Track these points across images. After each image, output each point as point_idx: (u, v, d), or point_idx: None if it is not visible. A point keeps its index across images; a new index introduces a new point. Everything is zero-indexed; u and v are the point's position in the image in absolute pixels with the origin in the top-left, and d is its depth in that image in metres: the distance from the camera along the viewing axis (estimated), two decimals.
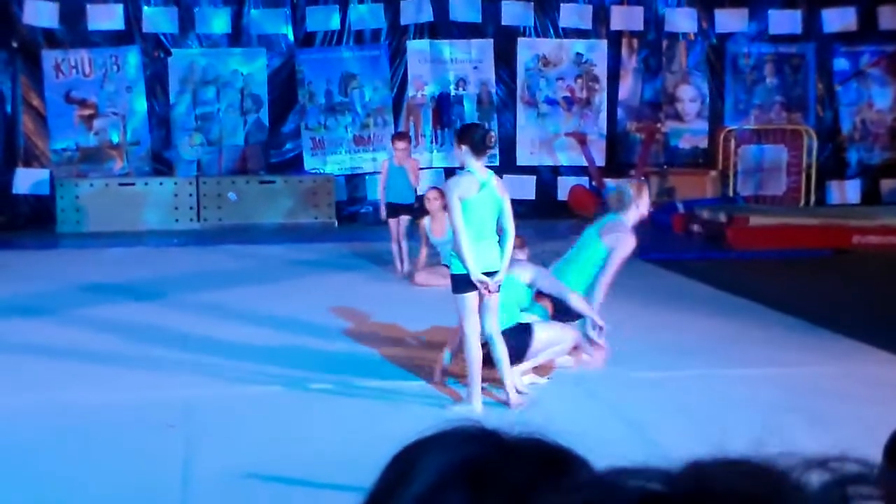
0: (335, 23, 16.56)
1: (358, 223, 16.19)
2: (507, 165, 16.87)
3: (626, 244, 7.85)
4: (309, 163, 16.66)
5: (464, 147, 6.81)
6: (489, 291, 6.69)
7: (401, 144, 12.15)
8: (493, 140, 6.96)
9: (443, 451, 0.92)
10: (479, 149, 6.76)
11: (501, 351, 6.82)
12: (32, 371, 7.90)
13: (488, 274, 6.68)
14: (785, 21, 17.46)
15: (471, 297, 6.69)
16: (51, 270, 12.17)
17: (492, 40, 16.95)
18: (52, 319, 9.60)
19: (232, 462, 5.80)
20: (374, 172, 16.83)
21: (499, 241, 6.81)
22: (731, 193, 16.92)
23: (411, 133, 16.58)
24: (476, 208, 6.69)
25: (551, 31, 17.16)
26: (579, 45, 17.26)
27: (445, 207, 7.58)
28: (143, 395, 7.20)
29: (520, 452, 0.92)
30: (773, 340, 8.76)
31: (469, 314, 6.72)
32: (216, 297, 10.55)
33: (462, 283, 6.70)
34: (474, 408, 6.72)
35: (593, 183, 16.73)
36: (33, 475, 5.74)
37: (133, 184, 15.90)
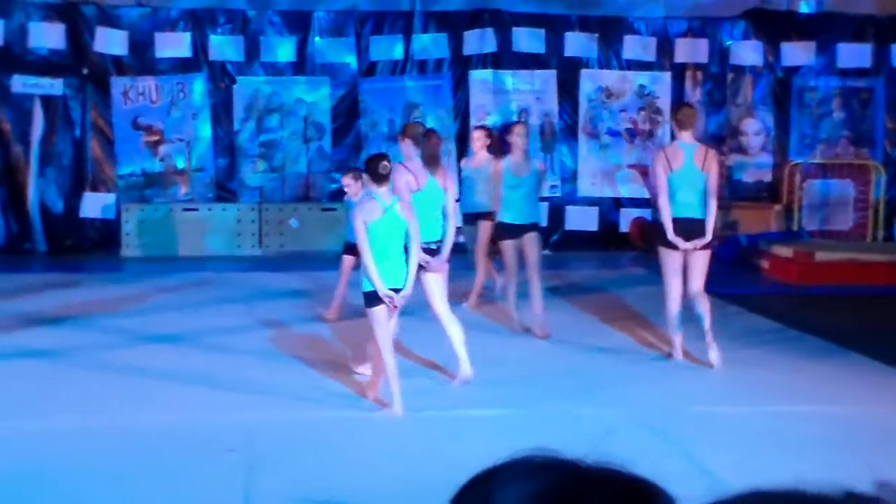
0: (398, 52, 16.65)
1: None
2: (569, 196, 16.83)
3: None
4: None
5: (366, 175, 7.66)
6: (395, 306, 7.44)
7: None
8: (387, 168, 7.46)
9: (520, 482, 0.89)
10: (377, 177, 7.42)
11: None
12: (96, 392, 7.97)
13: (395, 290, 7.40)
14: (853, 55, 17.26)
15: (380, 311, 7.40)
16: (114, 293, 12.31)
17: (555, 71, 16.94)
18: (115, 342, 9.70)
19: (292, 488, 5.79)
20: None
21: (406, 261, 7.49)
22: (795, 228, 16.71)
23: None
24: (380, 231, 7.38)
25: (615, 62, 17.11)
26: (642, 77, 17.19)
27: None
28: (203, 419, 7.24)
29: (600, 483, 0.89)
30: (836, 377, 8.62)
31: (380, 326, 7.42)
32: (277, 323, 10.60)
33: (371, 299, 7.42)
34: (396, 411, 7.37)
35: (656, 215, 16.60)
36: (94, 496, 5.78)
37: (197, 209, 16.06)
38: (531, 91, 17.02)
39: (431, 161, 8.42)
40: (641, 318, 10.71)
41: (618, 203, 17.14)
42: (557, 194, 16.88)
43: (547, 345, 9.81)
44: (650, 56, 17.07)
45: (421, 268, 7.85)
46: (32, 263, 15.23)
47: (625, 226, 16.87)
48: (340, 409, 7.56)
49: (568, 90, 17.05)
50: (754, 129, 17.52)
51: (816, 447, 6.52)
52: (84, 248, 15.87)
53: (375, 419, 7.32)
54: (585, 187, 17.14)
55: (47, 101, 15.94)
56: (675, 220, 8.73)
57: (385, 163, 7.48)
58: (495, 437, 6.70)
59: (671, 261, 8.86)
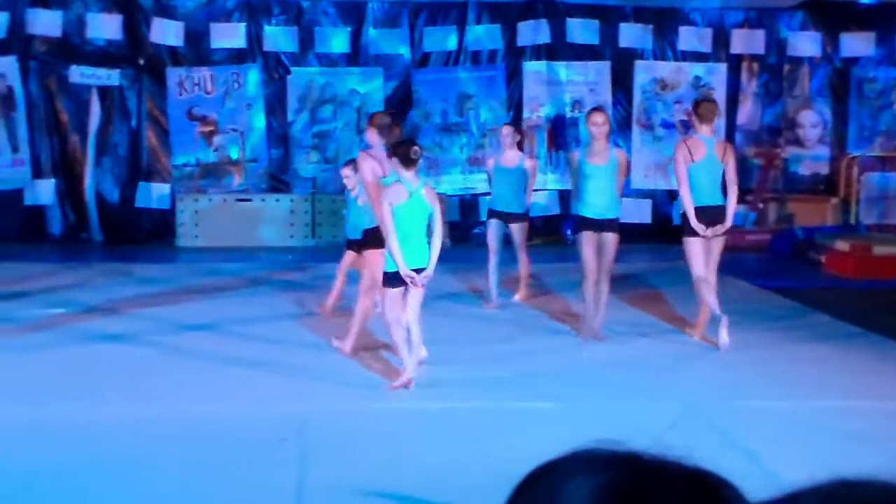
0: (452, 43, 16.64)
1: (470, 243, 16.18)
2: (623, 188, 16.70)
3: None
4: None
5: (394, 159, 7.80)
6: (417, 285, 7.72)
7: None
8: (417, 154, 7.78)
9: (585, 475, 0.88)
10: (406, 161, 7.70)
11: (416, 335, 7.88)
12: (150, 382, 8.05)
13: (418, 270, 7.68)
14: None
15: (396, 292, 7.77)
16: (169, 283, 12.41)
17: (609, 63, 16.84)
18: (168, 331, 9.79)
19: (343, 478, 5.81)
20: (488, 193, 16.84)
21: (429, 242, 7.77)
22: (852, 221, 16.50)
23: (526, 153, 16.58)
24: (405, 213, 7.66)
25: (670, 54, 16.98)
26: (698, 68, 17.04)
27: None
28: (256, 408, 7.28)
29: (667, 476, 0.87)
30: (891, 372, 8.50)
31: (393, 306, 7.79)
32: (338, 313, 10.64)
33: (391, 279, 7.75)
34: (410, 375, 7.74)
35: None
36: (149, 485, 5.83)
37: (250, 199, 16.15)
38: (585, 82, 16.93)
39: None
40: (688, 309, 10.60)
41: (671, 195, 17.00)
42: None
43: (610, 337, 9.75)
44: (706, 47, 16.92)
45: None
46: (89, 253, 15.40)
47: (678, 218, 16.71)
48: (391, 400, 7.57)
49: (622, 81, 16.95)
50: (811, 120, 17.31)
51: (870, 442, 6.44)
52: (139, 238, 16.02)
53: (426, 410, 7.32)
54: (639, 179, 17.03)
55: (104, 91, 16.11)
56: (698, 209, 9.25)
57: (416, 148, 7.83)
58: (546, 430, 6.67)
59: (696, 249, 9.29)
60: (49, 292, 11.68)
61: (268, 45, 16.36)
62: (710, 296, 9.25)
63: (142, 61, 16.19)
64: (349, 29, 16.47)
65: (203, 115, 16.36)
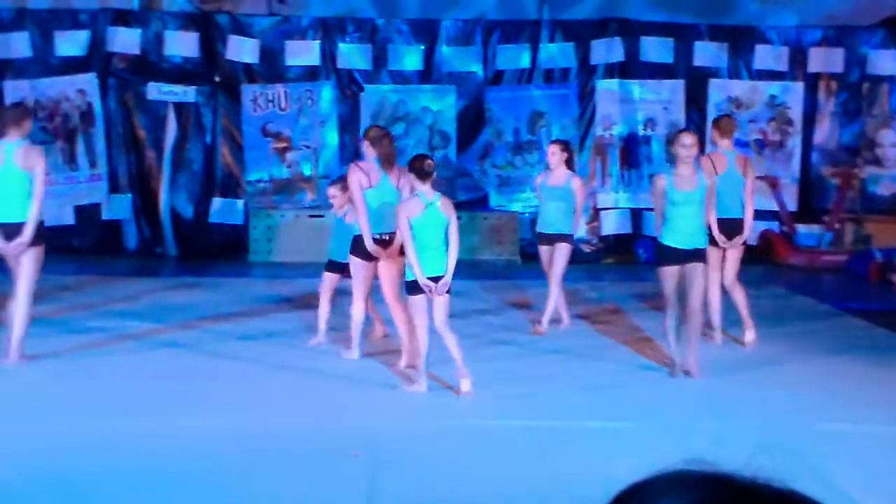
0: (525, 61, 16.63)
1: (540, 261, 16.06)
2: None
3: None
4: (494, 200, 16.72)
5: (411, 174, 8.19)
6: (435, 293, 8.00)
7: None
8: (431, 167, 8.14)
9: (676, 496, 0.86)
10: (421, 175, 8.08)
11: (451, 344, 8.10)
12: (224, 394, 8.12)
13: (435, 279, 7.99)
14: None
15: (420, 299, 8.03)
16: (242, 297, 12.52)
17: (683, 81, 16.71)
18: (242, 344, 9.87)
19: (414, 495, 5.80)
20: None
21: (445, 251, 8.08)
22: None
23: (598, 172, 16.54)
24: (422, 225, 8.02)
25: (744, 72, 16.81)
26: (774, 87, 16.85)
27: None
28: (328, 422, 7.30)
29: (758, 498, 0.85)
30: None
31: (419, 314, 8.07)
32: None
33: (412, 288, 8.07)
34: (420, 387, 8.13)
35: (784, 228, 16.26)
36: (220, 497, 5.86)
37: (322, 216, 16.22)
38: (658, 101, 16.82)
39: (387, 161, 9.10)
40: (763, 331, 10.45)
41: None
42: None
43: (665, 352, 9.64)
44: (782, 66, 16.72)
45: (373, 259, 9.01)
46: (163, 267, 15.60)
47: (752, 239, 16.51)
48: (461, 418, 7.55)
49: (696, 100, 16.81)
50: (891, 140, 17.02)
51: None
52: (213, 252, 16.18)
53: (498, 428, 7.29)
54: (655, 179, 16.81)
55: (180, 108, 16.33)
56: (719, 220, 9.74)
57: (429, 161, 8.19)
58: (612, 450, 6.62)
59: (714, 258, 9.67)
60: (125, 305, 11.85)
61: (341, 63, 16.48)
62: (716, 306, 10.04)
63: (217, 78, 16.39)
64: (422, 47, 16.54)
65: (277, 131, 16.51)
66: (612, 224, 16.71)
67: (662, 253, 8.78)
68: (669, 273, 8.70)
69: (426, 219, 8.03)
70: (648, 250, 16.46)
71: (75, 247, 15.91)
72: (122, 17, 16.29)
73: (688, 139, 8.76)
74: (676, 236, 8.67)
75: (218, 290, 13.07)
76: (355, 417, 7.46)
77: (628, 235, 16.69)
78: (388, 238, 8.96)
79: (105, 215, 16.29)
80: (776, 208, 16.27)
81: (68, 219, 16.05)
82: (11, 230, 8.73)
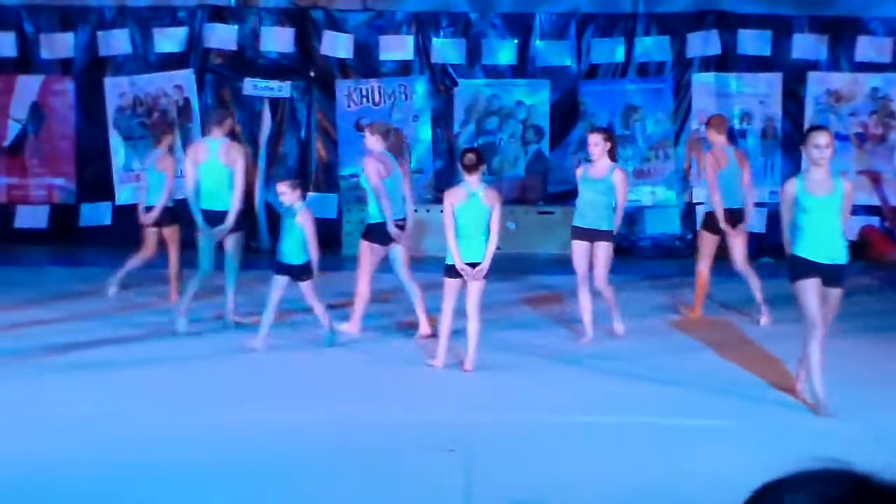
0: (619, 55, 16.49)
1: (634, 255, 15.98)
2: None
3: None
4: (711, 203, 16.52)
5: (459, 166, 9.02)
6: (472, 278, 8.58)
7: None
8: (470, 160, 8.80)
9: (810, 494, 0.84)
10: (465, 167, 8.84)
11: (472, 326, 8.64)
12: (315, 386, 8.18)
13: (473, 265, 8.57)
14: None
15: (454, 283, 8.67)
16: (334, 291, 12.59)
17: (781, 74, 16.43)
18: (344, 337, 9.95)
19: (512, 491, 5.78)
20: (654, 206, 16.63)
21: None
22: None
23: (693, 166, 16.34)
24: (463, 213, 8.65)
25: (845, 64, 16.46)
26: (876, 79, 16.47)
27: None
28: (423, 416, 7.32)
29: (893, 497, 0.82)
30: None
31: (449, 295, 8.69)
32: (496, 325, 10.63)
33: (449, 270, 8.68)
34: (438, 363, 8.72)
35: (886, 223, 15.91)
36: (313, 488, 5.91)
37: (415, 210, 16.23)
38: (755, 94, 16.57)
39: (397, 152, 10.24)
40: (866, 330, 10.24)
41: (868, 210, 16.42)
42: (777, 200, 16.36)
43: (764, 353, 9.50)
44: (885, 57, 16.33)
45: (392, 240, 10.08)
46: (258, 261, 15.74)
47: (852, 234, 16.18)
48: (560, 413, 7.51)
49: (793, 93, 16.51)
50: None
51: None
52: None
53: (596, 425, 7.24)
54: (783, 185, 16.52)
55: (275, 103, 16.50)
56: (725, 210, 10.58)
57: (469, 155, 8.91)
58: (720, 448, 6.54)
59: (712, 244, 10.77)
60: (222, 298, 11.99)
61: (435, 58, 16.50)
62: (706, 280, 10.84)
63: (312, 73, 16.53)
64: (516, 41, 16.49)
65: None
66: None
67: (798, 265, 7.62)
68: (810, 286, 7.51)
69: (467, 207, 8.64)
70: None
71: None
72: (220, 14, 16.50)
73: (822, 138, 7.73)
74: (811, 247, 7.62)
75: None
76: (451, 412, 7.46)
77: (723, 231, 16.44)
78: (401, 223, 10.13)
79: None
80: (877, 203, 15.92)
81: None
82: (215, 217, 10.08)
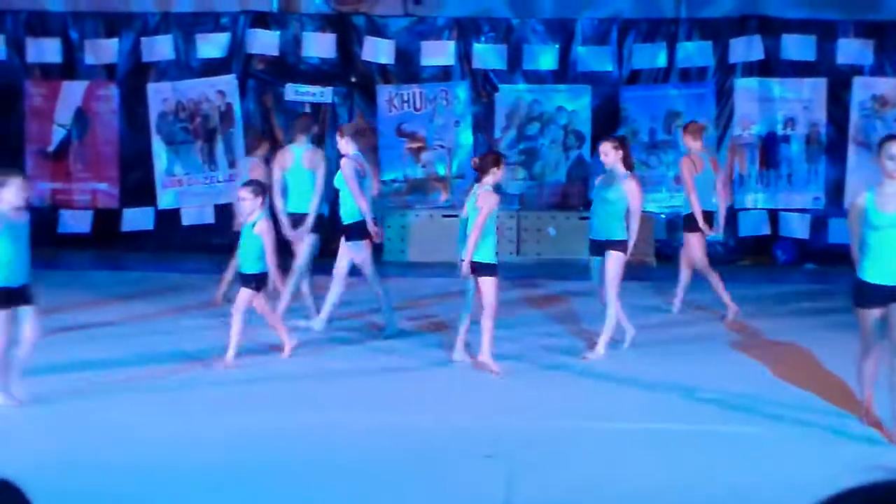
0: (661, 60, 16.41)
1: (676, 262, 15.85)
2: (834, 208, 16.11)
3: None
4: (689, 206, 16.46)
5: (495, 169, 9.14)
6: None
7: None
8: (475, 164, 9.34)
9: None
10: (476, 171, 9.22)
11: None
12: (359, 392, 8.19)
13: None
14: None
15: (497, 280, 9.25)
16: (373, 297, 12.59)
17: (825, 79, 16.28)
18: (377, 343, 9.96)
19: (553, 498, 5.75)
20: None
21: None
22: None
23: (736, 172, 16.21)
24: (468, 213, 9.12)
25: (890, 69, 16.29)
26: None
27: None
28: (461, 423, 7.30)
29: None
30: None
31: (498, 293, 9.17)
32: (537, 330, 10.61)
33: (497, 269, 9.17)
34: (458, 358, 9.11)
35: None
36: (357, 492, 5.91)
37: (456, 216, 16.19)
38: (798, 99, 16.43)
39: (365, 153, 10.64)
40: None
41: None
42: (821, 207, 16.25)
43: (806, 361, 9.41)
44: None
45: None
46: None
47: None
48: (604, 420, 7.47)
49: (838, 98, 16.36)
50: None
51: None
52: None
53: (642, 431, 7.20)
54: (853, 200, 16.36)
55: (317, 108, 16.56)
56: (704, 213, 11.15)
57: (473, 159, 9.46)
58: (765, 455, 6.47)
59: (700, 245, 11.27)
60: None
61: (476, 63, 16.50)
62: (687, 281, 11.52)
63: (354, 79, 16.58)
64: (557, 46, 16.45)
65: (412, 131, 16.63)
66: (749, 225, 16.39)
67: (861, 291, 7.06)
68: (868, 315, 7.03)
69: (468, 208, 9.13)
70: (787, 252, 16.12)
71: (215, 245, 16.24)
72: (262, 20, 16.59)
73: None
74: (879, 270, 6.96)
75: (349, 290, 13.18)
76: (489, 418, 7.44)
77: (766, 237, 16.35)
78: (374, 220, 10.55)
79: None
80: None
81: (208, 218, 16.40)
82: (297, 220, 10.69)
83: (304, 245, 10.79)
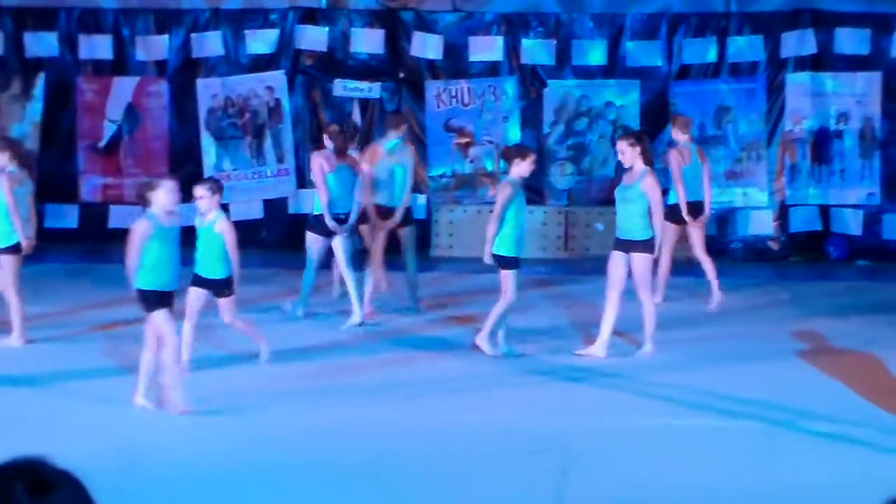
0: (712, 55, 16.26)
1: (726, 258, 15.73)
2: (889, 203, 15.90)
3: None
4: (675, 196, 16.37)
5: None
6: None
7: None
8: (502, 156, 9.78)
9: None
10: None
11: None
12: (405, 388, 8.19)
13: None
14: None
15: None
16: (428, 291, 12.59)
17: (880, 73, 16.06)
18: (424, 339, 9.96)
19: (604, 495, 5.72)
20: (745, 207, 16.37)
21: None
22: None
23: (786, 167, 16.04)
24: (515, 205, 9.22)
25: None
26: None
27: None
28: (513, 421, 7.28)
29: None
30: None
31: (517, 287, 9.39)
32: (577, 327, 10.56)
33: (518, 263, 9.45)
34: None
35: None
36: (402, 490, 5.91)
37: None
38: (852, 94, 16.22)
39: (340, 152, 10.92)
40: None
41: None
42: (875, 202, 16.04)
43: (855, 360, 9.29)
44: None
45: (333, 234, 10.63)
46: None
47: None
48: (654, 416, 7.42)
49: (893, 93, 16.13)
50: None
51: None
52: (391, 246, 16.28)
53: (685, 429, 7.14)
54: None
55: (365, 103, 16.58)
56: (689, 203, 11.58)
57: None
58: (818, 452, 6.40)
59: (673, 234, 11.50)
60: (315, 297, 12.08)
61: (525, 58, 16.44)
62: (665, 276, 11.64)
63: (402, 74, 16.58)
64: (606, 41, 16.35)
65: (460, 126, 16.60)
66: (800, 221, 16.21)
67: None
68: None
69: (518, 199, 9.35)
70: (839, 248, 15.92)
71: (264, 240, 16.33)
72: (311, 16, 16.63)
73: None
74: None
75: (394, 285, 13.20)
76: (541, 415, 7.42)
77: (818, 232, 16.16)
78: (344, 218, 10.73)
79: (292, 209, 16.64)
80: None
81: (257, 213, 16.48)
82: (386, 213, 11.18)
83: (405, 237, 11.53)
